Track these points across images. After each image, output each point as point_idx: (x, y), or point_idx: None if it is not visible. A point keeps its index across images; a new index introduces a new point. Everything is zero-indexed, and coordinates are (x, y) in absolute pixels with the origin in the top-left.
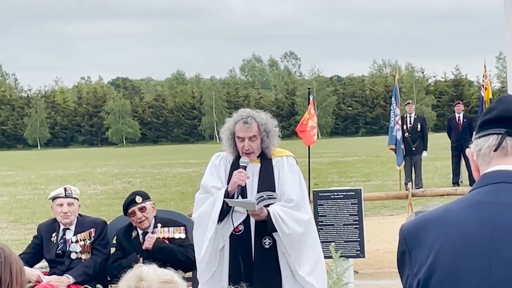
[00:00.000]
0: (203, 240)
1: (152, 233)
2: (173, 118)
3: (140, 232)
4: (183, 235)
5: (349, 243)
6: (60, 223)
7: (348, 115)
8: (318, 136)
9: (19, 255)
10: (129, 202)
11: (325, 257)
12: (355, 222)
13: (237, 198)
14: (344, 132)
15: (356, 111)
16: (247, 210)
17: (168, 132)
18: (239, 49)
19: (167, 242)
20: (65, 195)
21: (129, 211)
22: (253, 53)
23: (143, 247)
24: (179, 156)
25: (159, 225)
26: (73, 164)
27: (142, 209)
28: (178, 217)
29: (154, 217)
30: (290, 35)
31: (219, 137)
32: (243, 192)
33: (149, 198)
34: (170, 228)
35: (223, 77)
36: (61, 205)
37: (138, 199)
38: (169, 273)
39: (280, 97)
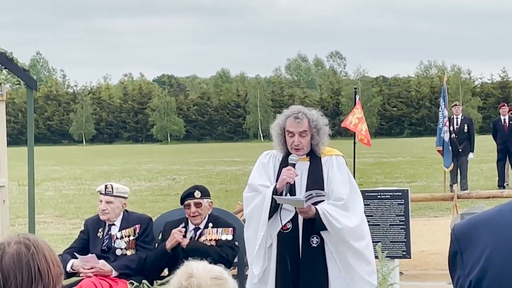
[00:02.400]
0: (255, 238)
1: (201, 233)
2: (218, 116)
3: (191, 227)
4: (230, 237)
5: (395, 243)
6: None
7: (393, 116)
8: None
9: (66, 249)
10: (187, 194)
11: None
12: (401, 223)
13: (285, 195)
14: (389, 133)
15: (401, 112)
16: (295, 208)
17: (212, 130)
18: (285, 47)
19: (214, 244)
20: (105, 193)
21: (185, 203)
22: (298, 52)
23: (173, 238)
24: (223, 154)
25: (210, 224)
26: (117, 160)
27: (198, 205)
28: (229, 217)
29: (208, 215)
30: (335, 34)
31: (263, 136)
32: (291, 189)
33: (209, 196)
34: (218, 229)
35: (268, 75)
36: (101, 201)
37: (197, 193)
38: (219, 269)
39: (325, 97)
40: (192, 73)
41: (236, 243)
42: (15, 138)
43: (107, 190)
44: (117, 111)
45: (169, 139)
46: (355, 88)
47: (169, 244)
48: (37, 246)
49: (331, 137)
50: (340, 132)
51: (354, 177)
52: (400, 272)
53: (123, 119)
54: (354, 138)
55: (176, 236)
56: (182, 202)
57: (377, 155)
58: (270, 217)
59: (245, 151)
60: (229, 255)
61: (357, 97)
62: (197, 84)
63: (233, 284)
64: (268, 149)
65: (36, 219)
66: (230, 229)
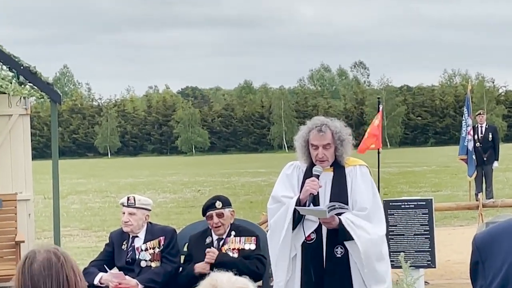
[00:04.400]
0: (279, 248)
1: (224, 242)
2: (242, 127)
3: (215, 237)
4: (253, 246)
5: (420, 253)
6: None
7: (418, 125)
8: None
9: (92, 261)
10: (209, 206)
11: (395, 267)
12: (426, 232)
13: (308, 206)
14: (413, 142)
15: (426, 121)
16: (318, 219)
17: (237, 141)
18: (308, 58)
19: (236, 253)
20: (128, 204)
21: (207, 214)
22: (322, 62)
23: (205, 261)
24: (248, 165)
25: (232, 233)
26: (142, 172)
27: (220, 215)
28: (252, 226)
29: (231, 224)
30: (359, 44)
31: (288, 147)
32: (315, 200)
33: (230, 205)
34: (241, 238)
35: (292, 86)
36: (123, 213)
37: (218, 204)
38: (243, 281)
39: (349, 107)
40: (216, 85)
41: (261, 253)
42: (40, 152)
43: (129, 202)
44: (141, 123)
45: (193, 151)
46: (379, 98)
47: (199, 269)
48: (66, 256)
49: (356, 146)
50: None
51: (378, 186)
52: (425, 282)
53: (148, 131)
54: (378, 148)
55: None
56: (204, 213)
57: (402, 165)
58: (294, 227)
59: (270, 162)
60: (259, 268)
61: (381, 107)
62: (221, 95)
63: None
64: (292, 160)
65: (62, 232)
66: (253, 238)
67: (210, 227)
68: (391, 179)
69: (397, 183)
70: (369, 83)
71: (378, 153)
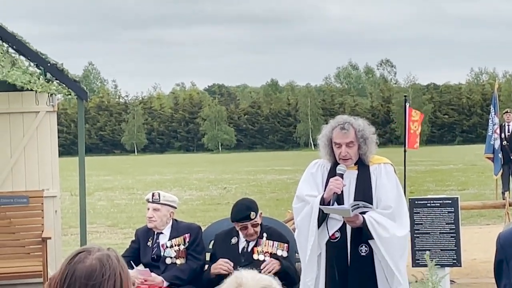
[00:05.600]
0: (306, 248)
1: (256, 244)
2: (269, 125)
3: (242, 239)
4: (285, 253)
5: (445, 251)
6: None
7: (445, 123)
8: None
9: None
10: (244, 217)
11: (421, 265)
12: (451, 231)
13: (332, 205)
14: (440, 140)
15: (453, 119)
16: (343, 217)
17: (263, 139)
18: (334, 56)
19: (268, 256)
20: (152, 200)
21: (241, 225)
22: (349, 60)
23: (263, 271)
24: (274, 163)
25: (264, 235)
26: (169, 170)
27: (255, 225)
28: (282, 228)
29: (260, 225)
30: (386, 42)
31: (314, 144)
32: (339, 199)
33: (258, 209)
34: (274, 242)
35: (318, 84)
36: (148, 209)
37: (253, 214)
38: (268, 279)
39: (376, 105)
40: (242, 82)
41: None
42: (67, 149)
43: (154, 198)
44: (168, 120)
45: (220, 148)
46: (405, 96)
47: (213, 270)
48: (113, 271)
49: (382, 145)
50: (391, 140)
51: (404, 185)
52: (451, 281)
53: (174, 128)
54: (405, 146)
55: (221, 267)
56: (236, 221)
57: (429, 163)
58: (318, 226)
59: (296, 159)
60: (297, 276)
61: (407, 105)
62: (247, 93)
63: None
64: (318, 158)
65: (88, 229)
66: (286, 245)
67: (237, 229)
68: (417, 177)
69: (424, 181)
70: (396, 81)
71: (405, 151)
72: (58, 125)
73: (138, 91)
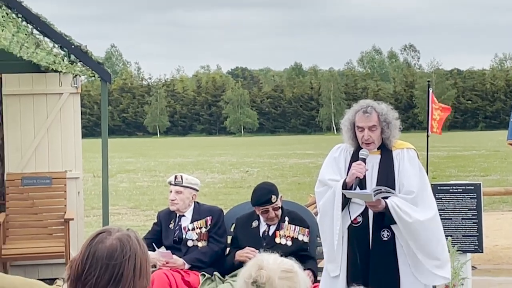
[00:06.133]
0: (330, 233)
1: (278, 227)
2: (291, 109)
3: (263, 222)
4: (306, 239)
5: (467, 237)
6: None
7: (468, 109)
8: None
9: None
10: (266, 201)
11: None
12: (473, 217)
13: (354, 189)
14: (463, 126)
15: (476, 105)
16: (365, 202)
17: (285, 123)
18: (358, 40)
19: (290, 241)
20: (175, 183)
21: (262, 209)
22: (373, 45)
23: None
24: (296, 147)
25: (286, 219)
26: (191, 152)
27: (275, 209)
28: (303, 212)
29: (281, 209)
30: (410, 27)
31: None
32: (361, 184)
33: (278, 192)
34: (296, 227)
35: (341, 68)
36: (170, 192)
37: (273, 198)
38: (289, 263)
39: (399, 90)
40: (265, 66)
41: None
42: (90, 130)
43: (176, 180)
44: (191, 103)
45: (242, 132)
46: (429, 81)
47: (238, 257)
48: (134, 251)
49: (404, 130)
50: (413, 125)
51: (427, 170)
52: (472, 267)
53: (197, 111)
54: (427, 131)
55: (246, 255)
56: (257, 205)
57: (451, 148)
58: (341, 210)
59: (318, 143)
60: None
61: (431, 91)
62: (270, 76)
63: (304, 277)
64: (341, 142)
65: (110, 210)
66: (307, 230)
67: (262, 218)
68: (440, 163)
69: (446, 167)
70: (420, 66)
71: (427, 136)
72: (81, 106)
73: (161, 74)
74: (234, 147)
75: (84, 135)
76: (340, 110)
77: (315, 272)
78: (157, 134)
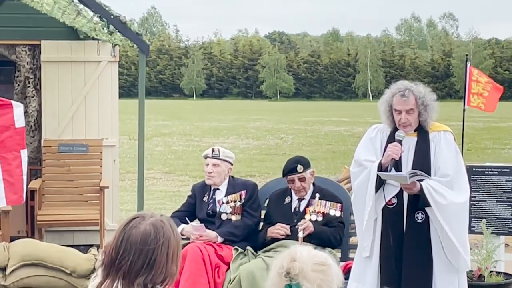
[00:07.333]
0: (363, 213)
1: (308, 204)
2: (327, 75)
3: (295, 198)
4: (338, 213)
5: (501, 220)
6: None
7: (505, 79)
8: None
9: (174, 212)
10: (290, 170)
11: (476, 233)
12: (508, 200)
13: (389, 171)
14: (500, 97)
15: None
16: (400, 183)
17: (321, 88)
18: (396, 8)
19: (321, 216)
20: (212, 156)
21: (288, 178)
22: (412, 12)
23: (299, 234)
24: (332, 113)
25: (317, 195)
26: (227, 117)
27: (302, 179)
28: (336, 188)
29: (313, 185)
30: None
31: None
32: (397, 165)
33: (310, 166)
34: (327, 202)
35: (379, 35)
36: (207, 165)
37: (300, 168)
38: (323, 255)
39: (436, 58)
40: (303, 31)
41: (343, 220)
42: (127, 91)
43: (214, 153)
44: (227, 66)
45: (278, 96)
46: (467, 55)
47: (270, 233)
48: (167, 237)
49: (441, 99)
50: (450, 94)
51: (462, 142)
52: (506, 244)
53: (233, 75)
54: (464, 102)
55: (277, 232)
56: (284, 175)
57: (487, 119)
58: (376, 191)
59: (354, 110)
60: (341, 236)
61: (468, 64)
62: (307, 42)
63: (337, 270)
64: (375, 109)
65: (145, 175)
66: (339, 205)
67: (290, 188)
68: (475, 134)
69: (481, 139)
70: (458, 35)
71: (464, 110)
72: (118, 67)
73: (199, 36)
74: (270, 112)
75: (120, 95)
76: (376, 77)
77: (341, 238)
78: (193, 97)
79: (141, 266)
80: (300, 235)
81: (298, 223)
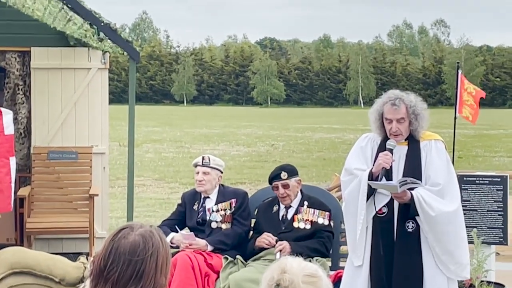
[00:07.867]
0: (354, 223)
1: (297, 211)
2: (319, 81)
3: (282, 206)
4: (326, 222)
5: (492, 229)
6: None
7: (496, 86)
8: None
9: (164, 220)
10: (274, 176)
11: (467, 242)
12: (499, 209)
13: (380, 180)
14: (490, 104)
15: (505, 82)
16: (390, 192)
17: (312, 95)
18: (388, 14)
19: (309, 224)
20: (202, 164)
21: (273, 184)
22: (404, 19)
23: (276, 256)
24: (323, 120)
25: (305, 203)
26: (217, 123)
27: (285, 186)
28: (324, 196)
29: (301, 192)
30: (441, 2)
31: (363, 102)
32: (388, 174)
33: (296, 174)
34: (315, 210)
35: (370, 41)
36: (197, 173)
37: (284, 175)
38: (314, 267)
39: (428, 65)
40: (294, 37)
41: (332, 229)
42: (117, 97)
43: (204, 161)
44: (218, 73)
45: (269, 103)
46: (458, 63)
47: (257, 243)
48: (156, 248)
49: (432, 106)
50: (441, 101)
51: (453, 150)
52: (497, 253)
53: (224, 81)
54: (455, 110)
55: (263, 241)
56: (270, 183)
57: (478, 127)
58: (366, 200)
59: (345, 117)
60: (328, 246)
61: (460, 72)
62: (298, 48)
63: (327, 282)
64: (366, 116)
65: (135, 182)
66: (327, 213)
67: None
68: (466, 142)
69: (472, 146)
70: (449, 42)
71: (455, 118)
72: (109, 73)
73: (190, 42)
74: (260, 118)
75: (111, 101)
76: (367, 83)
77: (328, 251)
78: (183, 103)
79: (130, 277)
80: (277, 256)
81: (276, 244)
